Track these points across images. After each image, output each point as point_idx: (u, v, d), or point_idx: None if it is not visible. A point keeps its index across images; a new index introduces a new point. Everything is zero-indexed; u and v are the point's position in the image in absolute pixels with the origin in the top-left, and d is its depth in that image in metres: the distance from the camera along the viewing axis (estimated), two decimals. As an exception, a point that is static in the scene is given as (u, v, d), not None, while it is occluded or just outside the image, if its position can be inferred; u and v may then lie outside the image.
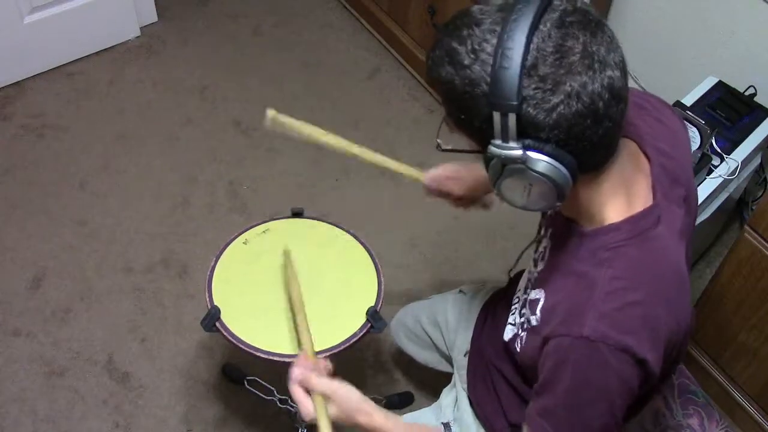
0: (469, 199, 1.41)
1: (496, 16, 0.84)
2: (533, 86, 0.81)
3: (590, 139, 0.85)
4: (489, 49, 0.82)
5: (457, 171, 1.37)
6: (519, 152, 0.83)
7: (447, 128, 0.95)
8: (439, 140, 0.97)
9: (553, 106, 0.81)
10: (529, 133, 0.83)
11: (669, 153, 1.03)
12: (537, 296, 1.05)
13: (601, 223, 0.95)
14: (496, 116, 0.82)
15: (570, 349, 0.92)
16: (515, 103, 0.80)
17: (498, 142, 0.84)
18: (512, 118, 0.81)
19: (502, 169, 0.86)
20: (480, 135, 0.87)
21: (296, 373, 1.07)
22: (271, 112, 1.30)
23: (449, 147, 0.96)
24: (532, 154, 0.83)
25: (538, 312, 1.03)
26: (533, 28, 0.81)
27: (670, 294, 0.94)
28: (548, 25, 0.82)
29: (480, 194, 1.40)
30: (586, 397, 0.93)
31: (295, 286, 1.25)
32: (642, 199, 0.96)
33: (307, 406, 1.05)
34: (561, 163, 0.84)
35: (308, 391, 1.07)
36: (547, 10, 0.83)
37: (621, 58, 0.85)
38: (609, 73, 0.83)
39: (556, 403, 0.95)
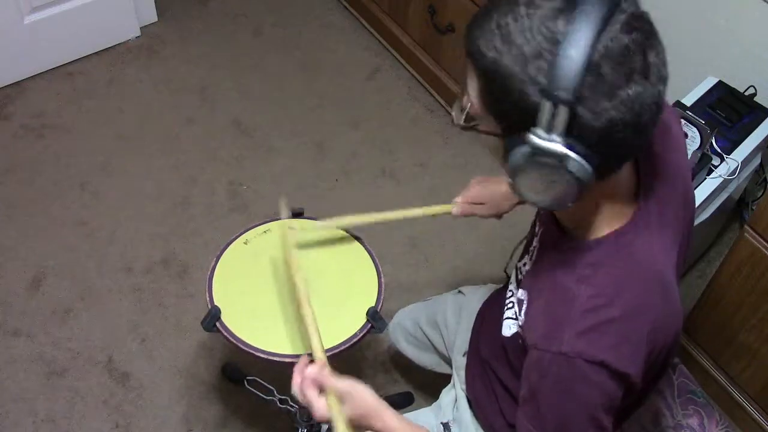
0: (492, 216, 1.43)
1: (560, 2, 0.79)
2: (591, 84, 0.78)
3: (624, 149, 0.84)
4: (548, 34, 0.78)
5: (481, 197, 1.39)
6: (559, 148, 0.80)
7: (459, 105, 0.91)
8: (454, 114, 0.93)
9: (604, 109, 0.79)
10: (572, 130, 0.80)
11: (665, 157, 1.02)
12: (522, 297, 1.06)
13: (586, 234, 0.95)
14: (547, 105, 0.78)
15: (550, 365, 0.92)
16: (571, 98, 0.77)
17: (540, 132, 0.80)
18: (563, 112, 0.78)
19: (529, 158, 0.82)
20: (511, 120, 0.83)
21: (310, 371, 1.05)
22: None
23: (470, 124, 0.91)
24: (569, 152, 0.80)
25: (522, 314, 1.04)
26: (604, 25, 0.77)
27: (652, 306, 0.93)
28: (617, 26, 0.78)
29: (502, 212, 1.41)
30: (568, 409, 0.94)
31: (301, 289, 1.25)
32: (629, 207, 0.96)
33: (321, 406, 1.04)
34: (591, 165, 0.81)
35: (320, 392, 1.06)
36: (617, 8, 0.79)
37: (667, 74, 0.84)
38: (660, 87, 0.82)
39: (543, 413, 0.96)
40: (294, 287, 1.25)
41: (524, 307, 1.04)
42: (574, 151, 0.80)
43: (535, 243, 1.11)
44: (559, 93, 0.77)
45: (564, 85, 0.77)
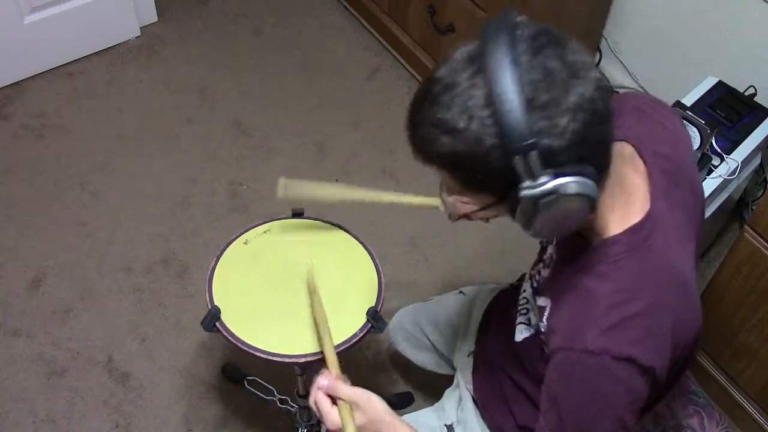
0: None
1: (469, 71, 0.83)
2: (540, 117, 0.80)
3: (602, 142, 0.86)
4: (481, 101, 0.81)
5: None
6: (552, 183, 0.82)
7: (446, 197, 0.96)
8: (449, 213, 0.99)
9: (563, 127, 0.81)
10: (551, 162, 0.82)
11: (670, 155, 1.02)
12: (543, 304, 1.06)
13: (600, 235, 0.96)
14: (518, 160, 0.81)
15: (575, 364, 0.93)
16: (532, 140, 0.80)
17: (527, 183, 0.83)
18: (534, 155, 0.80)
19: (534, 207, 0.84)
20: (498, 187, 0.86)
21: (323, 381, 1.05)
22: (282, 181, 1.34)
23: (460, 214, 0.97)
24: (561, 180, 0.82)
25: (545, 320, 1.04)
26: (515, 64, 0.80)
27: (672, 300, 0.94)
28: (526, 56, 0.81)
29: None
30: (594, 408, 0.93)
31: (318, 306, 1.25)
32: (640, 206, 0.96)
33: (333, 416, 1.03)
34: (585, 176, 0.83)
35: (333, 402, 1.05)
36: (516, 42, 0.82)
37: (591, 58, 0.86)
38: (592, 74, 0.84)
39: (567, 416, 0.95)
40: (307, 298, 1.25)
41: (546, 313, 1.04)
42: (566, 175, 0.82)
43: (550, 250, 1.11)
44: (519, 144, 0.80)
45: (519, 136, 0.80)
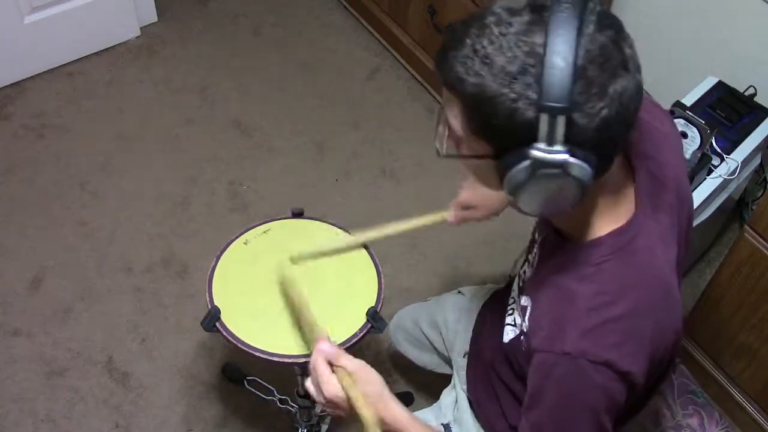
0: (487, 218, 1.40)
1: (529, 16, 0.80)
2: (581, 89, 0.78)
3: (616, 143, 0.85)
4: (531, 48, 0.78)
5: (472, 200, 1.35)
6: (563, 156, 0.79)
7: (441, 133, 0.91)
8: (437, 145, 0.93)
9: (598, 110, 0.79)
10: (571, 137, 0.79)
11: (656, 158, 1.02)
12: (525, 303, 1.06)
13: (585, 236, 0.95)
14: (544, 119, 0.78)
15: (554, 366, 0.92)
16: (566, 105, 0.77)
17: (542, 145, 0.79)
18: (561, 121, 0.78)
19: (532, 173, 0.81)
20: (504, 139, 0.83)
21: (325, 347, 1.02)
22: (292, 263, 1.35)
23: (453, 153, 0.92)
24: (571, 159, 0.80)
25: (526, 320, 1.04)
26: (579, 30, 0.78)
27: (654, 304, 0.93)
28: (591, 27, 0.79)
29: (497, 213, 1.39)
30: (572, 411, 0.93)
31: (296, 294, 1.24)
32: (626, 208, 0.96)
33: (333, 384, 1.01)
34: (589, 165, 0.81)
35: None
36: (587, 11, 0.80)
37: (640, 63, 0.85)
38: (638, 75, 0.83)
39: (545, 417, 0.95)
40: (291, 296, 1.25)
41: (528, 313, 1.04)
42: (576, 157, 0.80)
43: (535, 250, 1.11)
44: (553, 104, 0.77)
45: (557, 96, 0.77)
